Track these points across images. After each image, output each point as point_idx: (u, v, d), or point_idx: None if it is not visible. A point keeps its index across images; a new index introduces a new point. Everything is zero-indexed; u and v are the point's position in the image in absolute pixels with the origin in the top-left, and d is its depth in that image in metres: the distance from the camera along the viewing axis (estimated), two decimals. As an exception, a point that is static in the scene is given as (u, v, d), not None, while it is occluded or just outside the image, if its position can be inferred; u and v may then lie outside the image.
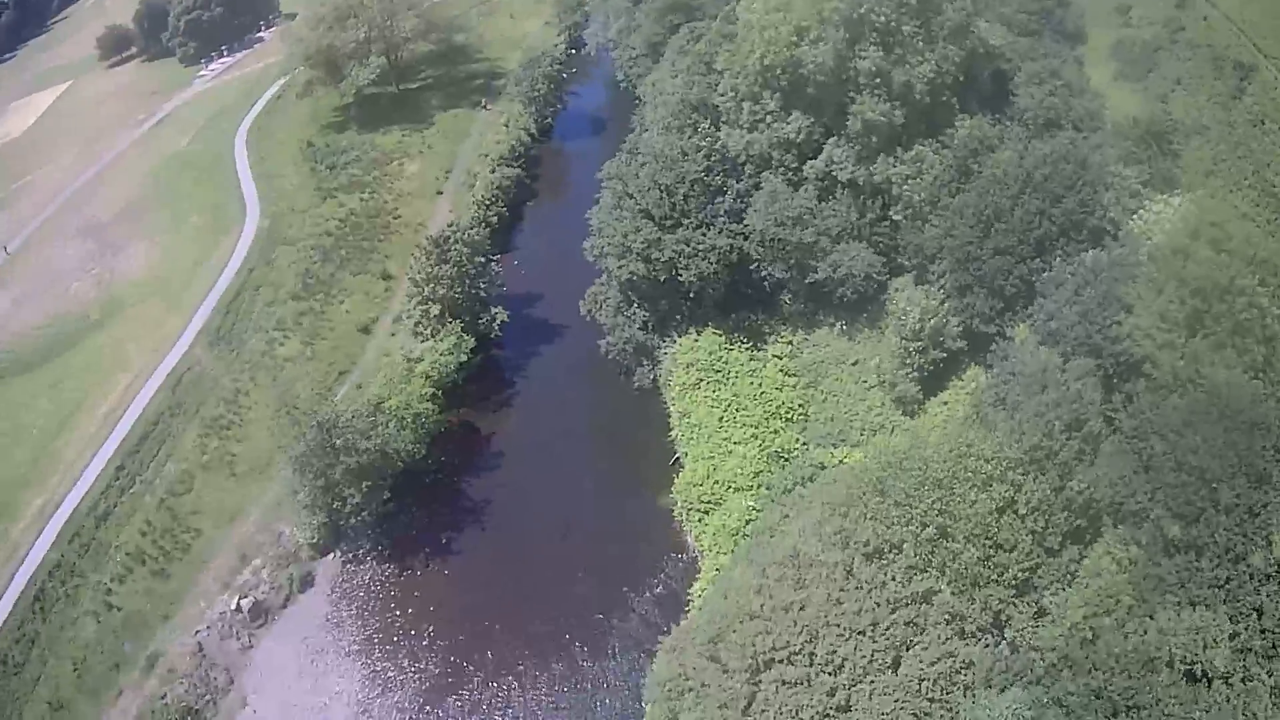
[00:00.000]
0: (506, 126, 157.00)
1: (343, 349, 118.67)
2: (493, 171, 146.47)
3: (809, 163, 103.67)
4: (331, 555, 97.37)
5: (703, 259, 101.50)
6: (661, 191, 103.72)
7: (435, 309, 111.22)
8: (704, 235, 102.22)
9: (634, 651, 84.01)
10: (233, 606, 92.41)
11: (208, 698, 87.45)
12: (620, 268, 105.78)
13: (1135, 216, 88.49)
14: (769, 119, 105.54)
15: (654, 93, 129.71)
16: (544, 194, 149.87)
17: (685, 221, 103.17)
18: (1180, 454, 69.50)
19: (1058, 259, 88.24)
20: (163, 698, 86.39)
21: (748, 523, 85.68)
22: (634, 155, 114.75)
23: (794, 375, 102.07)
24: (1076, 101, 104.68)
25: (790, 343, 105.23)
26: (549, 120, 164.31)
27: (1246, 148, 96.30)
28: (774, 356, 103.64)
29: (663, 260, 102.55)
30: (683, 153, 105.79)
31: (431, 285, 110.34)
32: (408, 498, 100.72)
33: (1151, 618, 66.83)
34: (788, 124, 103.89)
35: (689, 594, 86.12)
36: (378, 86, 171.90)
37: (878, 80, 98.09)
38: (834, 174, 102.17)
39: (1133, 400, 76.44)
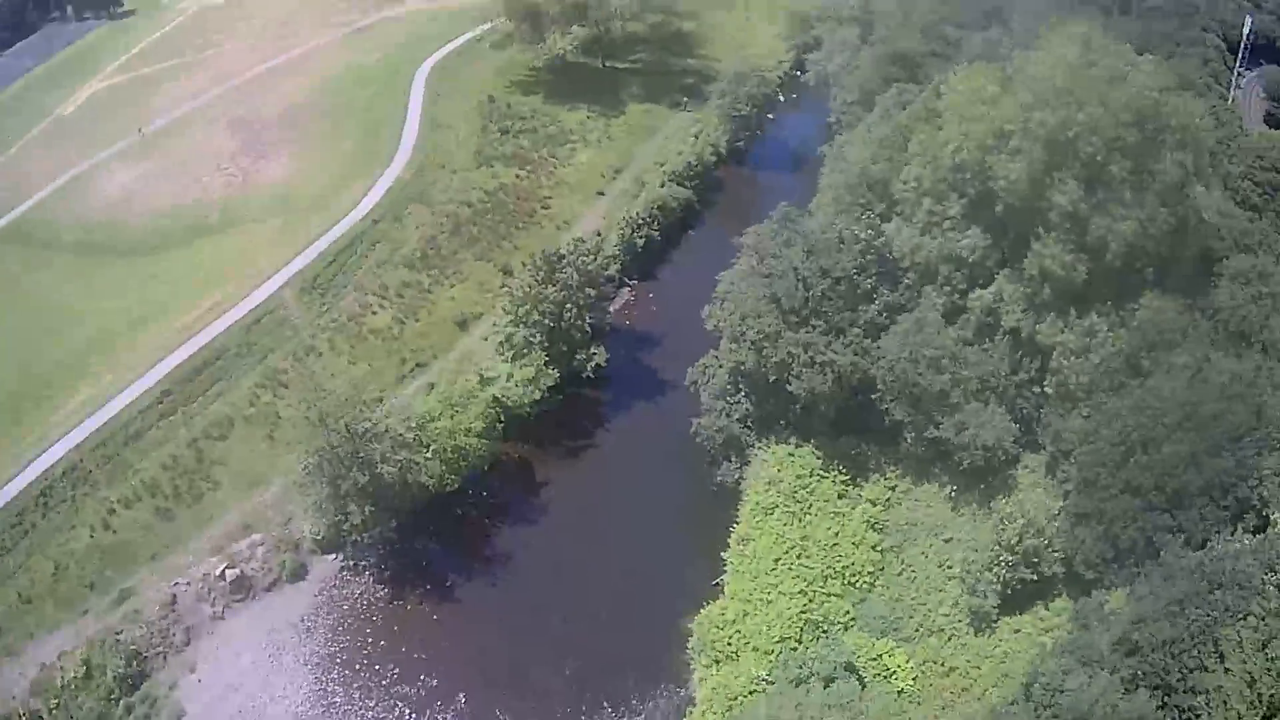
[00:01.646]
0: (695, 138, 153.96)
1: (431, 339, 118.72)
2: (662, 186, 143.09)
3: (976, 292, 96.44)
4: (333, 557, 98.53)
5: (818, 372, 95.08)
6: (798, 281, 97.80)
7: (524, 333, 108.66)
8: (828, 344, 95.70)
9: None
10: (217, 572, 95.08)
11: (160, 650, 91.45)
12: (731, 351, 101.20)
13: None
14: (946, 225, 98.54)
15: (836, 156, 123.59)
16: (712, 224, 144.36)
17: (814, 323, 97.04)
18: None
19: (1181, 527, 75.95)
20: (119, 633, 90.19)
21: (750, 693, 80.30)
22: (785, 225, 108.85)
23: (879, 531, 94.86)
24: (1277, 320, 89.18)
25: (892, 489, 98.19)
26: (741, 144, 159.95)
27: None
28: (867, 500, 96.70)
29: (775, 359, 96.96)
30: (840, 240, 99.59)
31: (529, 306, 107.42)
32: (431, 525, 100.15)
33: None
34: (964, 238, 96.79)
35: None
36: (583, 57, 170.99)
37: (1069, 224, 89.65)
38: (999, 312, 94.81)
39: None
